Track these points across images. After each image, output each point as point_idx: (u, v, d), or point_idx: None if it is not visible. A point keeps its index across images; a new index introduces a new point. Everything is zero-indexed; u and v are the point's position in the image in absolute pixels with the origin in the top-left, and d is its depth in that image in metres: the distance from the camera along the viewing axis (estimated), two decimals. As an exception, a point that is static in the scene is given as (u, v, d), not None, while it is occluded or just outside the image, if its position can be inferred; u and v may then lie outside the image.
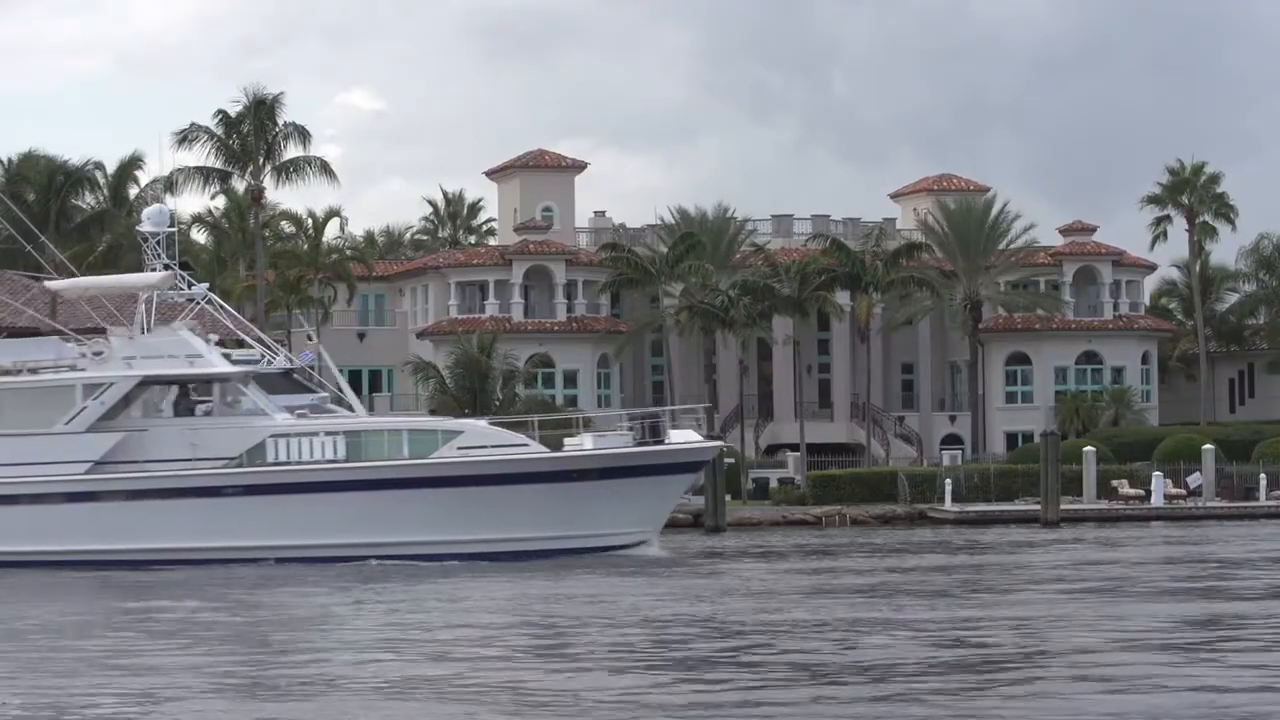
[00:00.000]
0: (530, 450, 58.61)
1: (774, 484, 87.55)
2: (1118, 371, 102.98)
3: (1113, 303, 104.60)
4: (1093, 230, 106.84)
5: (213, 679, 29.43)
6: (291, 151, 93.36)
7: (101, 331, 61.40)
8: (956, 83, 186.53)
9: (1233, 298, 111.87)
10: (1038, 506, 77.98)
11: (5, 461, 58.61)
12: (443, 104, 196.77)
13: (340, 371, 67.35)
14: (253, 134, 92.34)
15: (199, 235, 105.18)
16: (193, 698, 27.40)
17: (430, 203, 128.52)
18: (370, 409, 71.53)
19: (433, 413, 79.02)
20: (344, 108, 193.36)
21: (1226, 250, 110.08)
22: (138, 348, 59.49)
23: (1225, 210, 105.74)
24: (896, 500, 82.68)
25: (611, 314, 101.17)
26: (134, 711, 26.43)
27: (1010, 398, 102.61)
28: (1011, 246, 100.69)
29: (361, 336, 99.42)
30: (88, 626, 39.75)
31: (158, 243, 62.20)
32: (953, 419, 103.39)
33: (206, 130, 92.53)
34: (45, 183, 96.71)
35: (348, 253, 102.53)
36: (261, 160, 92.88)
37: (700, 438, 61.00)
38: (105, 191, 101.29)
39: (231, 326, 62.31)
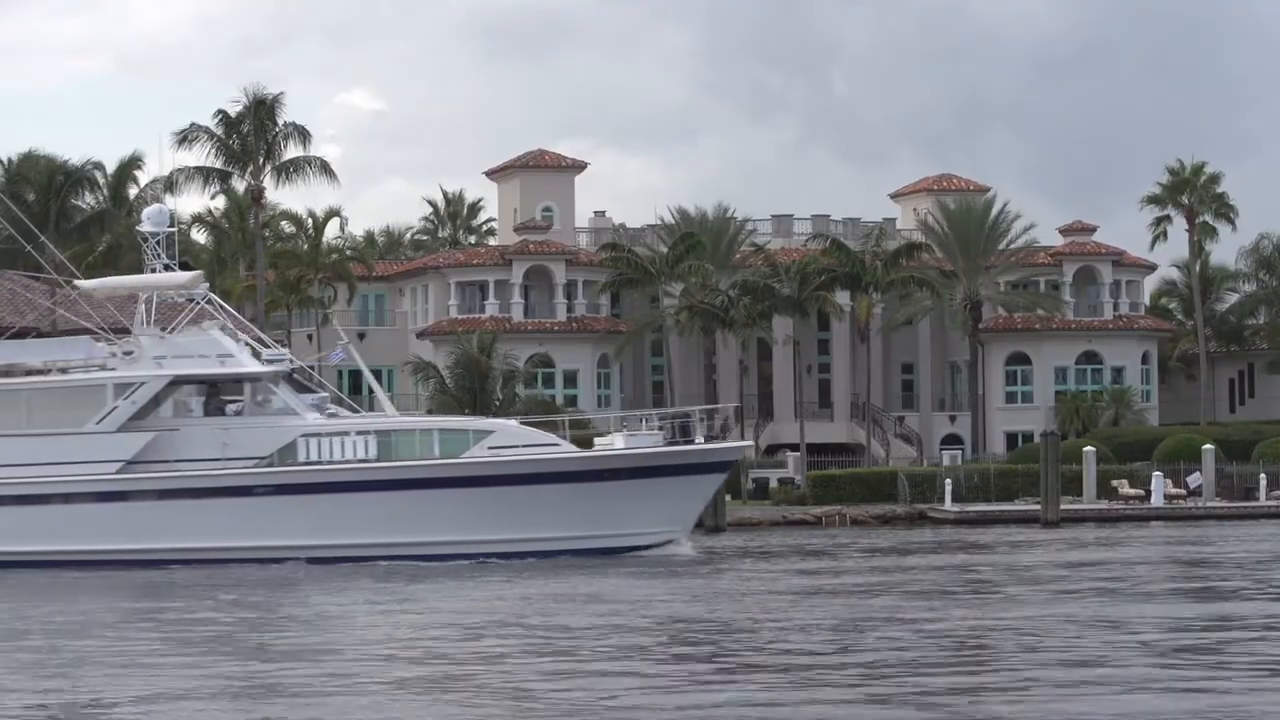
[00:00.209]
0: (561, 450, 58.85)
1: (774, 484, 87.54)
2: (1118, 371, 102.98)
3: (1113, 303, 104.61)
4: (1093, 230, 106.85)
5: (217, 679, 29.44)
6: (291, 151, 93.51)
7: (127, 332, 61.46)
8: (956, 83, 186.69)
9: (1233, 298, 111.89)
10: (1038, 507, 77.98)
11: (36, 461, 58.47)
12: (443, 104, 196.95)
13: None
14: (253, 134, 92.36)
15: (199, 235, 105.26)
16: (197, 699, 27.43)
17: (430, 203, 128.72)
18: (370, 409, 71.44)
19: (429, 413, 79.03)
20: (344, 108, 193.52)
21: (1226, 250, 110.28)
22: (168, 347, 59.54)
23: (1225, 210, 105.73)
24: (896, 500, 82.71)
25: (611, 314, 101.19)
26: (135, 712, 26.44)
27: (1010, 398, 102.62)
28: (1011, 246, 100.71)
29: (361, 336, 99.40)
30: (97, 626, 39.74)
31: (158, 243, 62.20)
32: (953, 419, 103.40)
33: (206, 130, 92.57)
34: (45, 183, 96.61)
35: (348, 253, 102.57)
36: (261, 160, 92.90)
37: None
38: (105, 191, 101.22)
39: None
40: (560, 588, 46.95)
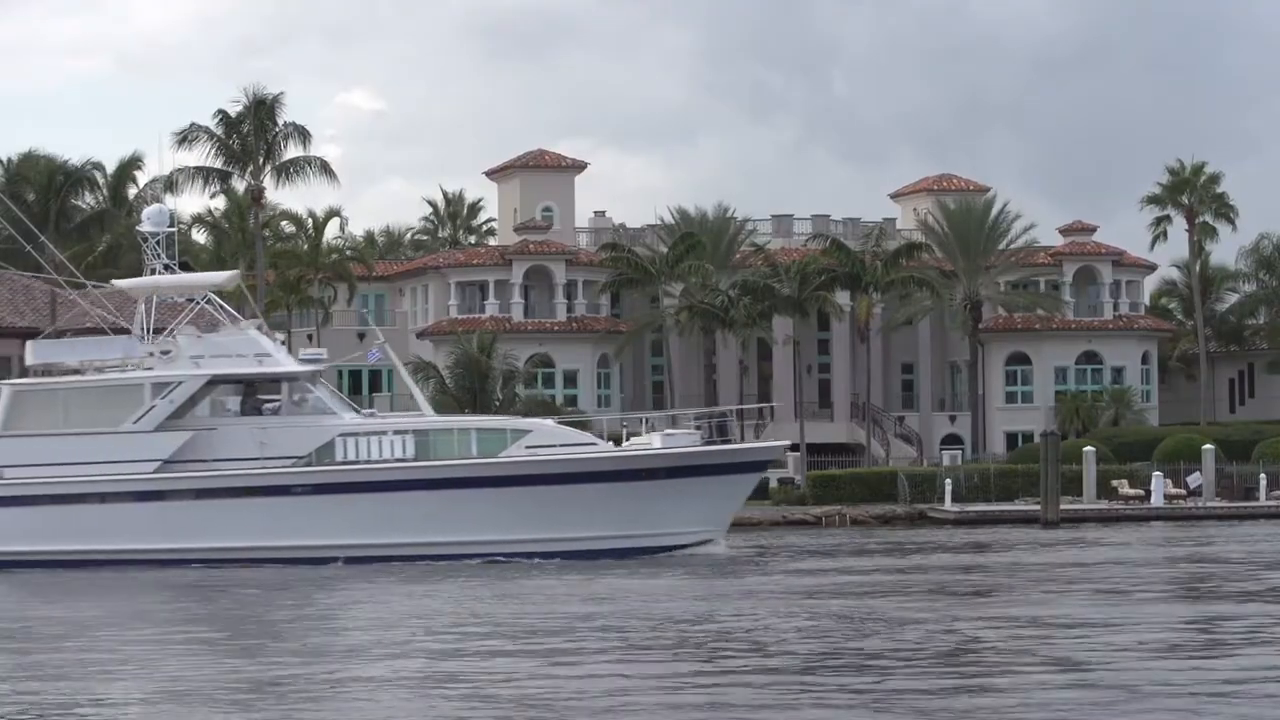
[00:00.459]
0: (599, 449, 58.90)
1: (774, 484, 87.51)
2: (1118, 371, 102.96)
3: (1113, 303, 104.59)
4: (1093, 230, 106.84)
5: (236, 677, 29.47)
6: (291, 151, 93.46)
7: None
8: (956, 83, 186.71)
9: (1233, 298, 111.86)
10: (1038, 507, 77.95)
11: (74, 460, 58.44)
12: (443, 104, 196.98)
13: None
14: (253, 134, 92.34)
15: (199, 235, 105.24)
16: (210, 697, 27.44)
17: (430, 203, 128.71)
18: (369, 408, 71.47)
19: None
20: (344, 108, 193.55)
21: (1226, 250, 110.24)
22: (206, 346, 59.66)
23: (1225, 210, 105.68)
24: (896, 500, 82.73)
25: (611, 314, 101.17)
26: (135, 712, 26.45)
27: (1010, 398, 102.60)
28: (1011, 246, 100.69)
29: (361, 336, 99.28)
30: (103, 625, 39.77)
31: (158, 243, 62.21)
32: (953, 419, 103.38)
33: (206, 130, 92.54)
34: (45, 183, 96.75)
35: (348, 253, 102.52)
36: (261, 160, 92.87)
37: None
38: (105, 191, 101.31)
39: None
40: (583, 587, 47.00)
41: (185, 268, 65.72)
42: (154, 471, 58.25)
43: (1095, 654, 31.00)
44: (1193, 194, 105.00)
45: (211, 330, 61.40)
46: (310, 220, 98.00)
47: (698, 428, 60.85)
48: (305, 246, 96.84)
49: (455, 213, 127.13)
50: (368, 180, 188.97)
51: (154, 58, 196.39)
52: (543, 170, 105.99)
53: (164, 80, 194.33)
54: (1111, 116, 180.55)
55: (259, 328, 61.55)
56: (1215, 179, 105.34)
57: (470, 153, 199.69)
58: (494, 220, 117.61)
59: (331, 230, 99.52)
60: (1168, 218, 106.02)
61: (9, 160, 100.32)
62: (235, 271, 62.37)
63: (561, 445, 58.85)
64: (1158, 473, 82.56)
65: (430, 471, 58.12)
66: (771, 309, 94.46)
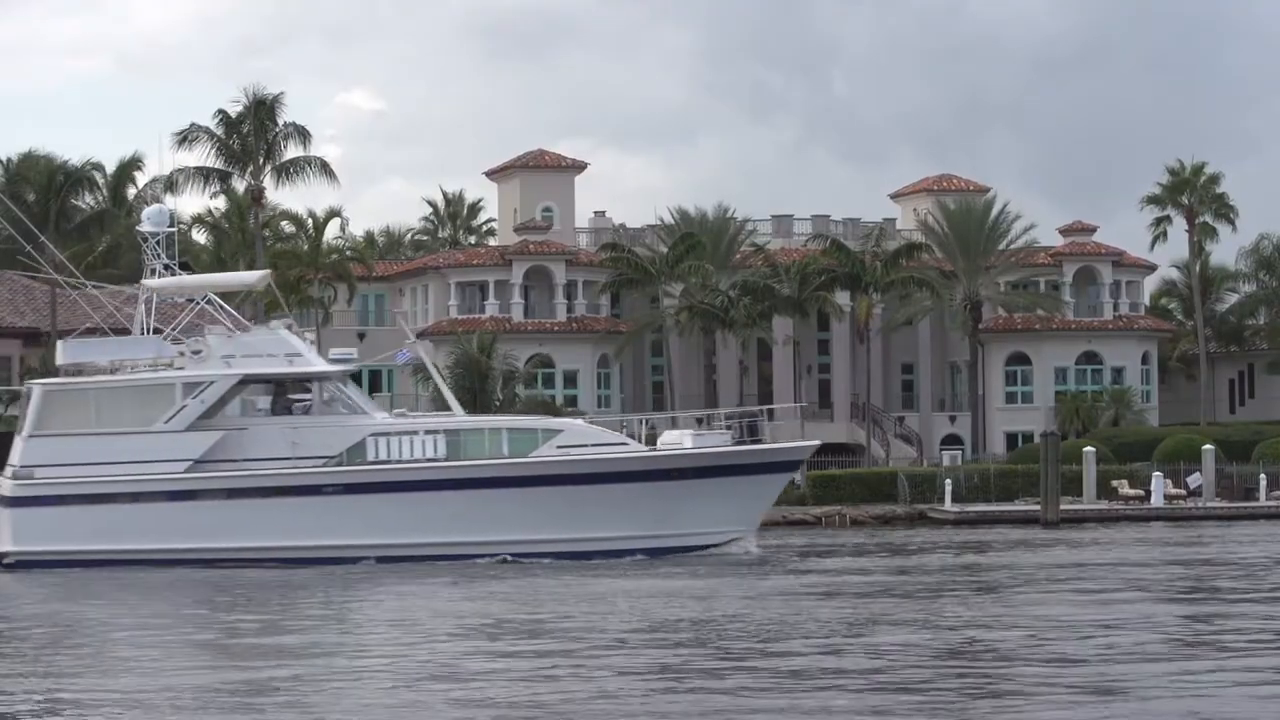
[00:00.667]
0: (630, 449, 58.91)
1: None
2: (1118, 372, 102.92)
3: (1113, 303, 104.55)
4: (1093, 230, 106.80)
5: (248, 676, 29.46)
6: (291, 151, 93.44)
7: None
8: (956, 83, 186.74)
9: (1233, 298, 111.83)
10: (1038, 507, 77.95)
11: (105, 460, 58.43)
12: (443, 104, 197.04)
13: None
14: (253, 134, 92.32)
15: (199, 235, 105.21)
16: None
17: (430, 203, 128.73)
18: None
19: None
20: (344, 108, 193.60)
21: (1226, 250, 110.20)
22: (237, 346, 59.72)
23: (1225, 210, 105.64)
24: (896, 500, 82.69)
25: (611, 314, 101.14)
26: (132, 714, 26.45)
27: (1010, 398, 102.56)
28: (1011, 247, 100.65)
29: (361, 336, 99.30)
30: (122, 625, 39.83)
31: (158, 243, 62.22)
32: (953, 419, 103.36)
33: (206, 130, 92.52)
34: (45, 183, 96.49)
35: (348, 253, 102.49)
36: (261, 160, 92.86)
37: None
38: (105, 191, 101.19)
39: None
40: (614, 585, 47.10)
41: (185, 268, 65.69)
42: (185, 471, 58.27)
43: (1091, 657, 31.01)
44: (1193, 194, 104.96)
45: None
46: (310, 220, 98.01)
47: (728, 428, 60.97)
48: (305, 247, 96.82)
49: (455, 213, 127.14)
50: (368, 180, 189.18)
51: (154, 58, 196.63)
52: (543, 170, 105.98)
53: (164, 80, 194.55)
54: (1111, 116, 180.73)
55: (289, 327, 61.62)
56: (1215, 179, 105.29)
57: (470, 153, 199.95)
58: (494, 220, 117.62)
59: (331, 230, 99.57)
60: (1168, 218, 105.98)
61: (9, 160, 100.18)
62: (266, 272, 62.40)
63: (593, 445, 58.92)
64: (1158, 473, 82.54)
65: (462, 471, 58.23)
66: (771, 309, 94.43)
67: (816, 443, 65.57)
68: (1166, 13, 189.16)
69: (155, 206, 67.20)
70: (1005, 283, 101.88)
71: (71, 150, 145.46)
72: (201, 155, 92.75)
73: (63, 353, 61.34)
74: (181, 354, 59.90)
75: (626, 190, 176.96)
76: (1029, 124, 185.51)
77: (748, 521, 59.87)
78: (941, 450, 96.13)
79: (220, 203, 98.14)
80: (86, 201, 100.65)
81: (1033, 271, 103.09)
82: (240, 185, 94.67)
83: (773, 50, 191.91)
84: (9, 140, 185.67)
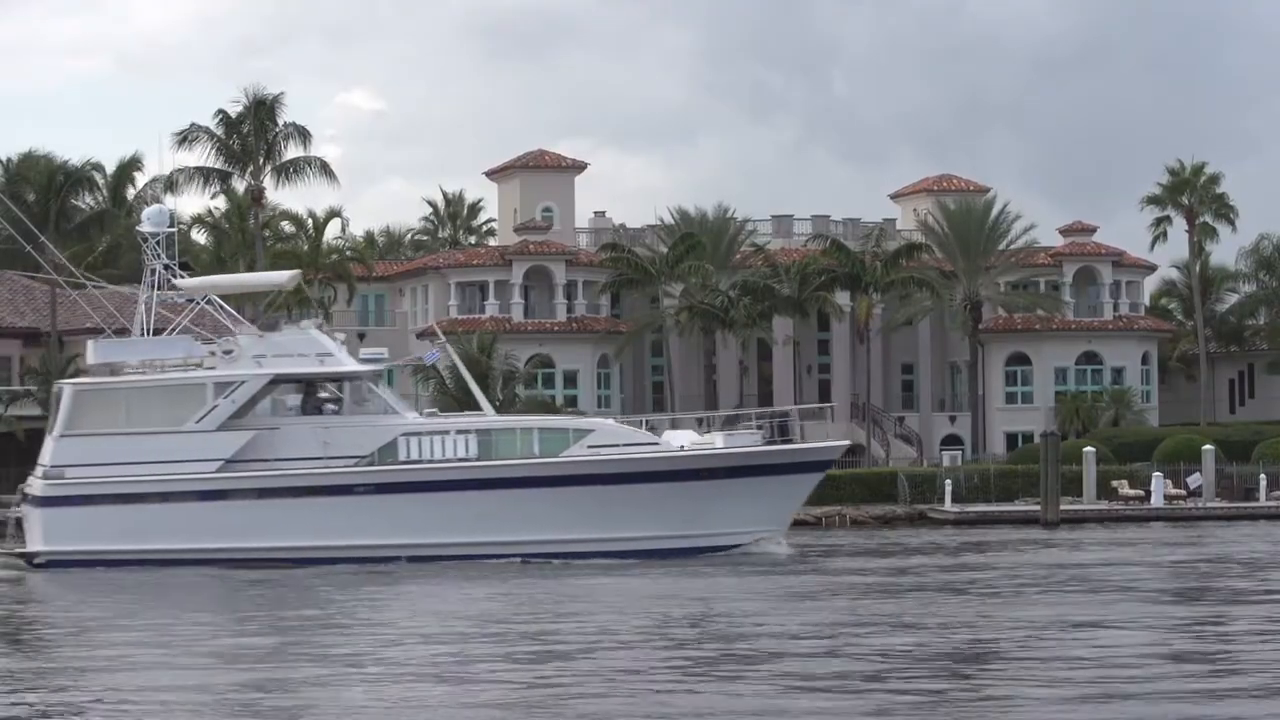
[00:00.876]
0: (661, 449, 58.90)
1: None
2: (1118, 372, 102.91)
3: (1113, 303, 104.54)
4: (1093, 230, 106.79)
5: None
6: (291, 152, 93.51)
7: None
8: (956, 83, 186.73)
9: (1233, 298, 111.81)
10: (1038, 507, 77.94)
11: (137, 459, 58.41)
12: (443, 104, 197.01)
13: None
14: (253, 134, 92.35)
15: (199, 236, 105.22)
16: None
17: (430, 203, 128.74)
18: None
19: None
20: (344, 108, 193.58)
21: (1226, 250, 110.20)
22: (268, 346, 59.75)
23: (1225, 210, 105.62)
24: (896, 501, 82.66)
25: (611, 314, 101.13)
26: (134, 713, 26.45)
27: (1010, 398, 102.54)
28: (1011, 247, 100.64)
29: (361, 337, 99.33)
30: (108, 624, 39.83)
31: (157, 243, 62.21)
32: (953, 419, 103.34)
33: (206, 130, 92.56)
34: (45, 183, 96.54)
35: (348, 253, 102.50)
36: (261, 160, 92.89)
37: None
38: (105, 192, 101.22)
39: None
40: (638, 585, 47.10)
41: (185, 268, 65.67)
42: (216, 471, 58.28)
43: (1091, 657, 30.99)
44: (1193, 194, 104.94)
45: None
46: (310, 220, 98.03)
47: (759, 428, 61.02)
48: (305, 247, 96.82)
49: (455, 213, 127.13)
50: (368, 180, 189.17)
51: (154, 58, 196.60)
52: (543, 170, 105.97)
53: (164, 80, 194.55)
54: (1111, 116, 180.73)
55: (319, 327, 61.63)
56: (1215, 179, 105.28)
57: (470, 153, 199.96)
58: (494, 220, 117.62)
59: (331, 230, 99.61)
60: (1168, 218, 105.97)
61: (9, 160, 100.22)
62: (296, 272, 62.46)
63: (624, 445, 58.94)
64: (1158, 473, 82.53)
65: (493, 471, 58.28)
66: (771, 309, 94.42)
67: (846, 442, 65.78)
68: (1166, 13, 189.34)
69: (155, 207, 67.22)
70: (1005, 283, 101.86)
71: (71, 150, 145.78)
72: (201, 155, 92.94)
73: (93, 352, 61.24)
74: (212, 354, 59.96)
75: (626, 190, 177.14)
76: (1029, 124, 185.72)
77: (778, 521, 60.05)
78: (941, 450, 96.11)
79: (220, 203, 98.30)
80: (86, 202, 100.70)
81: (1033, 272, 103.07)
82: (240, 185, 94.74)
83: (773, 50, 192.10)
84: (9, 140, 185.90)
